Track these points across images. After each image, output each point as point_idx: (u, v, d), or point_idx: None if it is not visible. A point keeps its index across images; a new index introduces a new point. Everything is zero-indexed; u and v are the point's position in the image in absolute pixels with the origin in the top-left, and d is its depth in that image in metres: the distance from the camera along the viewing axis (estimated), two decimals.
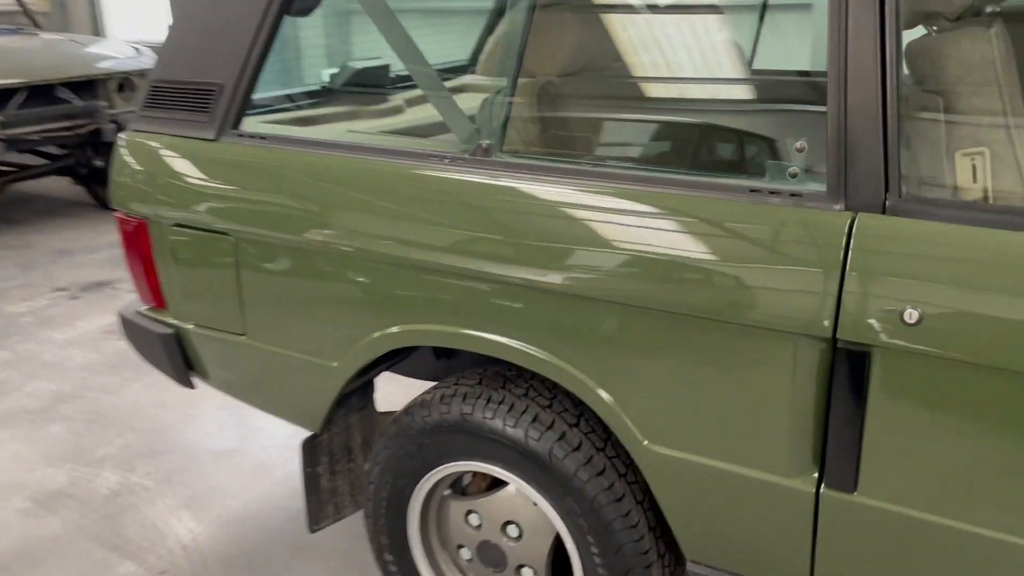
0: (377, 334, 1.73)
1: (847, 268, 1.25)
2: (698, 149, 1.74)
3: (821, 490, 1.37)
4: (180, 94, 1.95)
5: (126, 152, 2.03)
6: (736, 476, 1.44)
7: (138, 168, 2.00)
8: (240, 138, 1.87)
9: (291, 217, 1.76)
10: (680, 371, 1.43)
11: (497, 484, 1.88)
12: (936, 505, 1.29)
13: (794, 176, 1.33)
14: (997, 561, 1.27)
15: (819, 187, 1.31)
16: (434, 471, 1.82)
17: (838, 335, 1.27)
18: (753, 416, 1.39)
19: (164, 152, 1.95)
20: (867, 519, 1.35)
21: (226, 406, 3.28)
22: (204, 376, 2.13)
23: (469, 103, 2.45)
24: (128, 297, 4.48)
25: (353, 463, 2.12)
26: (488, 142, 1.59)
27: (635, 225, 1.42)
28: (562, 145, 1.84)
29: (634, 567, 1.63)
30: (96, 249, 5.34)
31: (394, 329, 1.70)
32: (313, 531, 2.07)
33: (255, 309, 1.91)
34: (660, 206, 1.40)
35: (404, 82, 2.71)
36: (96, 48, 5.88)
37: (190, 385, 2.15)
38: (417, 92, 2.64)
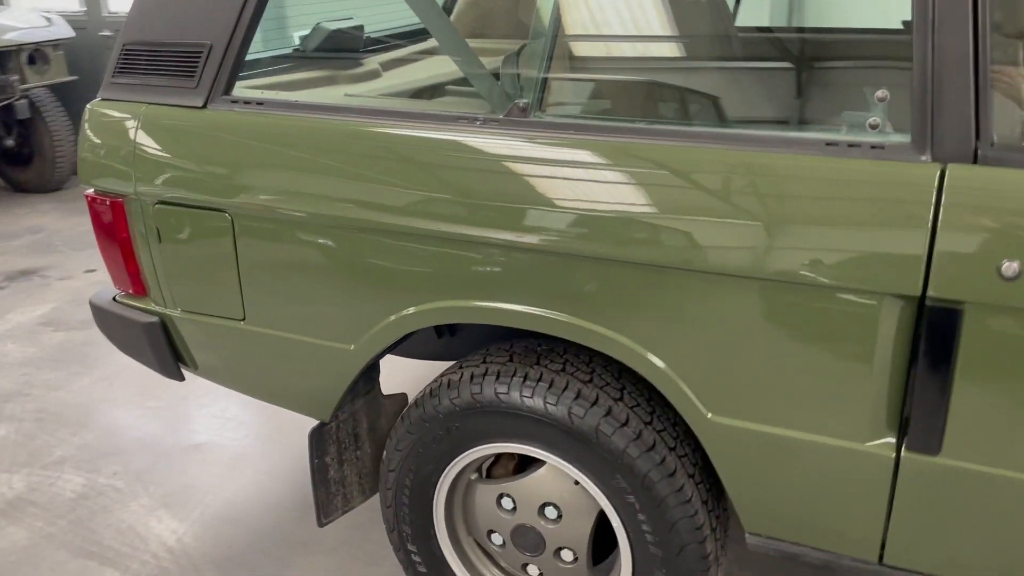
0: (404, 313, 1.60)
1: (938, 222, 1.19)
2: (762, 102, 1.65)
3: (902, 454, 1.32)
4: (158, 57, 1.76)
5: (95, 123, 1.83)
6: (809, 445, 1.38)
7: (111, 141, 1.81)
8: (233, 105, 1.70)
9: (302, 191, 1.61)
10: (752, 338, 1.35)
11: (527, 464, 1.79)
12: None
13: (875, 127, 1.27)
14: None
15: (903, 138, 1.24)
16: (463, 455, 1.72)
17: (928, 293, 1.21)
18: (830, 381, 1.33)
19: (143, 123, 1.76)
20: (951, 481, 1.31)
21: (187, 397, 3.09)
22: (192, 366, 1.96)
23: (444, 67, 2.31)
24: (60, 285, 4.18)
25: (360, 451, 2.00)
26: (525, 101, 1.47)
27: (698, 186, 1.33)
28: (605, 102, 1.73)
29: (689, 543, 1.56)
30: (15, 235, 4.98)
31: (425, 306, 1.58)
32: (323, 525, 1.94)
33: (256, 292, 1.76)
34: (727, 163, 1.32)
35: (381, 43, 2.55)
36: (1, 18, 5.43)
37: (179, 377, 1.98)
38: (395, 53, 2.49)
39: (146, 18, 1.77)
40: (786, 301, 1.31)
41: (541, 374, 1.60)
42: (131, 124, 1.78)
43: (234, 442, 2.80)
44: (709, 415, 1.43)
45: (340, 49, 2.39)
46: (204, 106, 1.72)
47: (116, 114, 1.81)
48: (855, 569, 1.48)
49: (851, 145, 1.26)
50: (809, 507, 1.44)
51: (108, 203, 1.84)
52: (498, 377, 1.63)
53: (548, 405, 1.58)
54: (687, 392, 1.43)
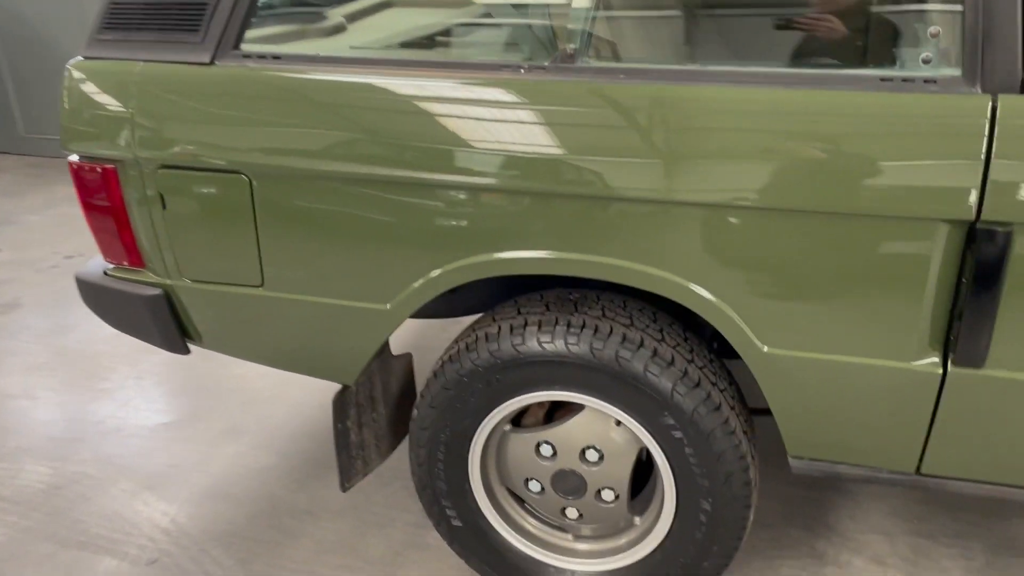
0: (450, 267, 1.58)
1: (993, 149, 1.27)
2: (815, 40, 1.70)
3: (949, 369, 1.42)
4: (155, 11, 1.65)
5: (79, 85, 1.70)
6: (861, 368, 1.46)
7: (102, 103, 1.69)
8: (246, 60, 1.62)
9: (338, 149, 1.55)
10: (808, 270, 1.41)
11: (555, 411, 1.81)
12: None
13: (927, 62, 1.34)
14: None
15: (954, 71, 1.32)
16: (501, 406, 1.72)
17: (982, 216, 1.30)
18: (883, 305, 1.41)
19: (141, 82, 1.65)
20: (993, 390, 1.41)
21: (141, 376, 2.95)
22: (197, 339, 1.88)
23: (400, 20, 2.26)
24: None
25: (376, 413, 1.97)
26: (573, 47, 1.47)
27: (756, 128, 1.37)
28: (654, 44, 1.73)
29: (734, 471, 1.63)
30: None
31: (477, 258, 1.56)
32: (345, 490, 1.92)
33: (277, 256, 1.69)
34: (786, 102, 1.36)
35: None
36: None
37: (185, 351, 1.89)
38: (354, 6, 2.41)
39: None
40: (842, 232, 1.38)
41: (584, 321, 1.62)
42: (126, 84, 1.66)
43: (205, 418, 2.70)
44: (765, 348, 1.49)
45: (309, 2, 2.29)
46: (211, 62, 1.63)
47: (106, 74, 1.68)
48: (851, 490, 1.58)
49: (905, 80, 1.32)
50: (855, 427, 1.54)
51: (99, 170, 1.72)
52: (540, 327, 1.64)
53: (595, 351, 1.60)
54: (743, 327, 1.49)
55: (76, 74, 1.71)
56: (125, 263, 1.83)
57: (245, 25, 1.62)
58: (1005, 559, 2.04)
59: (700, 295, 1.47)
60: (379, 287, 1.66)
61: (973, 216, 1.30)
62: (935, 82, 1.32)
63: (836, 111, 1.34)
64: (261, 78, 1.59)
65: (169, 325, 1.84)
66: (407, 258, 1.62)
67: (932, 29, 1.34)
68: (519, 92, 1.47)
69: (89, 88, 1.70)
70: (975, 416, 1.45)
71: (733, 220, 1.42)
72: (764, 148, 1.36)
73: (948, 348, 1.42)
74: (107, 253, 1.84)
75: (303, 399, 2.77)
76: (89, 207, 1.78)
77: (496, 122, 1.48)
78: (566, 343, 1.61)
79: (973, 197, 1.29)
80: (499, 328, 1.68)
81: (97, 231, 1.81)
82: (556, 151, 1.45)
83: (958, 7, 1.29)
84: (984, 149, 1.28)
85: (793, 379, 1.51)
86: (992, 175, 1.28)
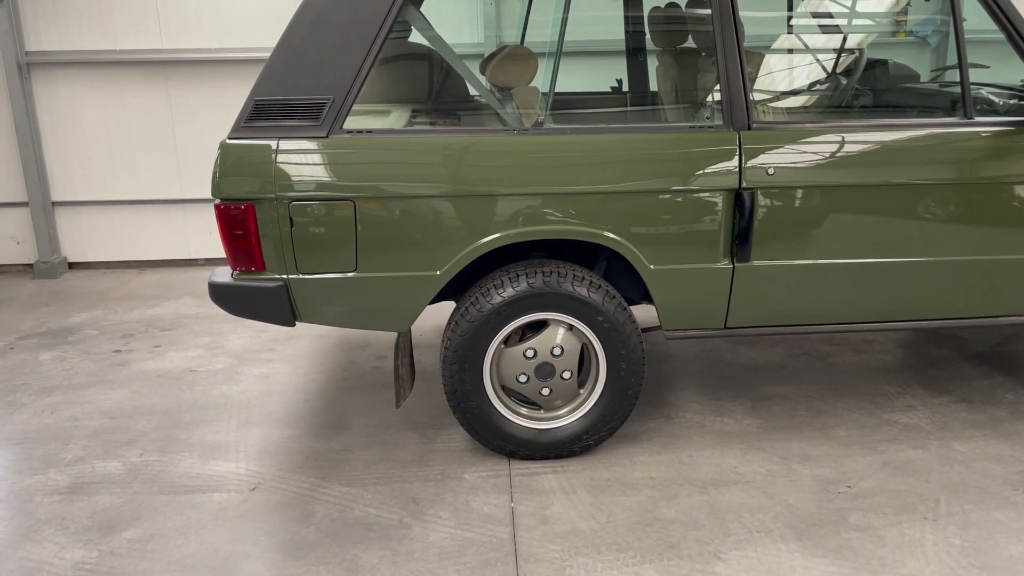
0: (478, 243, 2.81)
1: (743, 156, 2.82)
2: (663, 108, 3.17)
3: (735, 265, 2.92)
4: (288, 108, 2.73)
5: (234, 155, 2.72)
6: (696, 269, 2.92)
7: (250, 166, 2.71)
8: (349, 135, 2.76)
9: (410, 182, 2.74)
10: (671, 223, 2.85)
11: (528, 332, 3.06)
12: (792, 254, 2.92)
13: (709, 118, 2.87)
14: (830, 279, 2.96)
15: (720, 122, 2.86)
16: (504, 328, 2.94)
17: (742, 187, 2.83)
18: (703, 235, 2.88)
19: (281, 151, 2.71)
20: (756, 272, 2.93)
21: (140, 405, 3.66)
22: (300, 316, 2.88)
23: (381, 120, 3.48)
24: None
25: (403, 357, 3.08)
26: (541, 118, 2.82)
27: (628, 157, 2.81)
28: (579, 118, 3.10)
29: (636, 344, 3.00)
30: None
31: (493, 236, 2.80)
32: (399, 407, 3.00)
33: (368, 249, 2.80)
34: (650, 140, 2.82)
35: None
36: None
37: (292, 324, 2.88)
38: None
39: (274, 83, 2.73)
40: (683, 199, 2.83)
41: (554, 271, 2.92)
42: (269, 153, 2.71)
43: (217, 420, 3.52)
44: (652, 267, 2.90)
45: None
46: (327, 136, 2.74)
47: (254, 147, 2.72)
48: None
49: (701, 127, 2.84)
50: (695, 304, 2.98)
51: (243, 207, 2.73)
52: (527, 277, 2.91)
53: (561, 284, 2.90)
54: (642, 258, 2.88)
55: (229, 148, 2.72)
56: (252, 269, 2.81)
57: (347, 113, 2.76)
58: (765, 406, 3.60)
59: (623, 243, 2.85)
60: (434, 261, 2.83)
61: (738, 187, 2.83)
62: (713, 127, 2.85)
63: (672, 143, 2.82)
64: (360, 144, 2.74)
65: (286, 306, 2.84)
66: (453, 242, 2.81)
67: (709, 102, 2.88)
68: (517, 142, 2.79)
69: (240, 157, 2.72)
70: (748, 289, 2.97)
71: (638, 201, 2.82)
72: (646, 162, 2.80)
73: (733, 254, 2.93)
74: (238, 263, 2.81)
75: (288, 393, 3.70)
76: (229, 234, 2.76)
77: (507, 162, 2.78)
78: (544, 283, 2.90)
79: (737, 178, 2.82)
80: (502, 280, 2.92)
81: (233, 249, 2.78)
82: (549, 172, 2.77)
83: (719, 96, 2.85)
84: (737, 155, 2.82)
85: (666, 280, 2.93)
86: (744, 168, 2.82)
